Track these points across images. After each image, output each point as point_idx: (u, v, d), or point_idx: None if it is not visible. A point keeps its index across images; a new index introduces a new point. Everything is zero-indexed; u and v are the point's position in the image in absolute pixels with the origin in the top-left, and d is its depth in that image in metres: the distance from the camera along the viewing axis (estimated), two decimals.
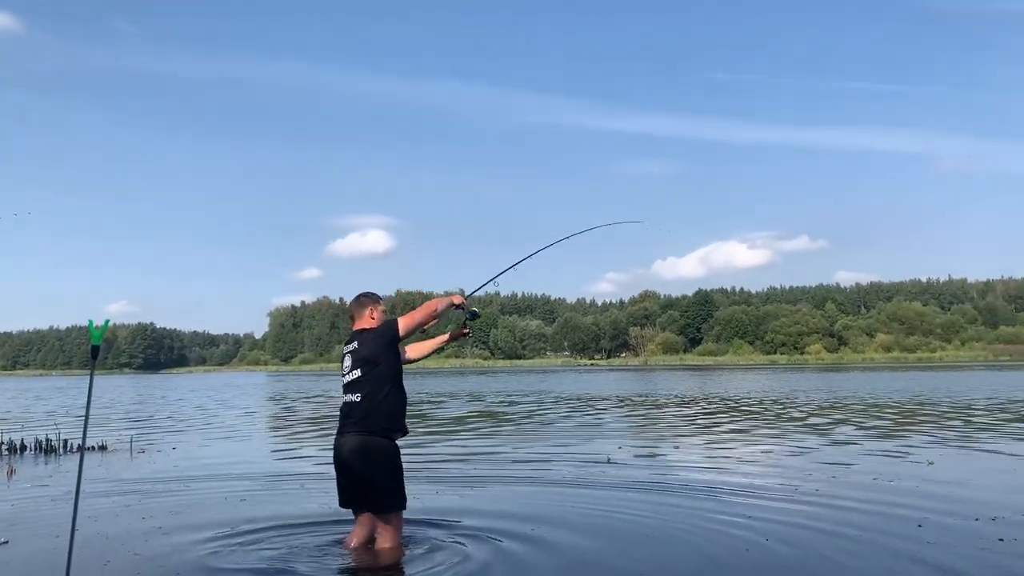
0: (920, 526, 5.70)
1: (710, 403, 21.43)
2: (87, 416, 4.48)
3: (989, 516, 5.99)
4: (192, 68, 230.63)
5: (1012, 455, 9.72)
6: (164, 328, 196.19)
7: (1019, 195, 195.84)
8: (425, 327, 5.05)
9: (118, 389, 45.33)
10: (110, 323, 4.31)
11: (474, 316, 5.33)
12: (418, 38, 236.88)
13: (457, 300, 5.19)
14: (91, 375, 4.28)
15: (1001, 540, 5.22)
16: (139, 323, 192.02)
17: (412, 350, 5.37)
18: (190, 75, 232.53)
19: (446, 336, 5.42)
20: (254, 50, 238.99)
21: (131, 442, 11.99)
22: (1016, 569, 4.56)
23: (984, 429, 12.98)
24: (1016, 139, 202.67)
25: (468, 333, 5.44)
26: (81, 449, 4.23)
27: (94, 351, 4.13)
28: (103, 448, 11.47)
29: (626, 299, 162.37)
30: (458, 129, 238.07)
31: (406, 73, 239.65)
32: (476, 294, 5.95)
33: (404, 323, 4.93)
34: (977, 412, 16.43)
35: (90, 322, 4.05)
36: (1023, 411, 16.51)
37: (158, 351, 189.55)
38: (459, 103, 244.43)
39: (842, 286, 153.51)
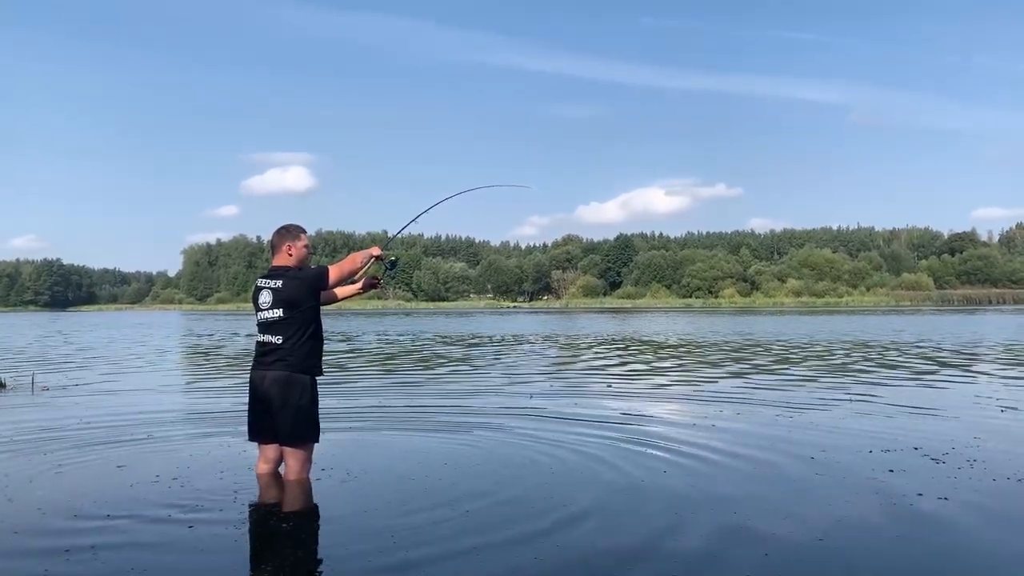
0: (813, 459, 5.96)
1: (627, 343, 21.88)
2: None
3: (882, 449, 6.30)
4: None
5: (921, 393, 10.23)
6: (72, 264, 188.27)
7: (923, 148, 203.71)
8: (353, 278, 5.22)
9: (21, 326, 43.52)
10: None
11: (393, 265, 5.48)
12: None
13: (376, 252, 5.28)
14: None
15: (891, 471, 5.50)
16: (44, 259, 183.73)
17: (340, 291, 5.39)
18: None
19: (359, 285, 5.40)
20: None
21: (32, 379, 11.56)
22: (897, 497, 4.82)
23: (891, 369, 13.63)
24: (923, 92, 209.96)
25: (380, 282, 5.53)
26: None
27: None
28: (1, 386, 10.99)
29: (549, 243, 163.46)
30: (383, 64, 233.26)
31: (333, 3, 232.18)
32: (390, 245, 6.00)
33: (334, 274, 5.00)
34: (888, 353, 17.22)
35: None
36: (925, 353, 17.38)
37: (65, 288, 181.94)
38: (385, 37, 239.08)
39: (756, 232, 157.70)
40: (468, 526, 4.22)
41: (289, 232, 5.04)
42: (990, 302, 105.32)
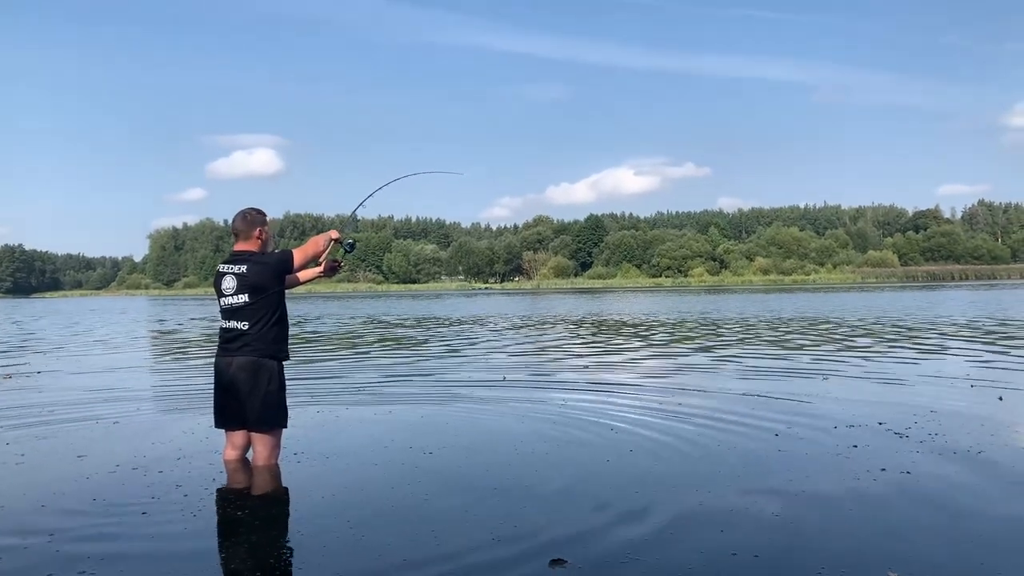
0: (777, 435, 6.02)
1: (597, 323, 21.97)
2: None
3: (847, 424, 6.38)
4: None
5: (886, 370, 10.38)
6: (35, 250, 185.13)
7: (889, 126, 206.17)
8: (317, 260, 5.21)
9: None
10: None
11: (352, 247, 5.48)
12: None
13: (335, 235, 5.31)
14: None
15: (855, 446, 5.57)
16: (6, 245, 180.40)
17: (303, 274, 5.35)
18: None
19: (321, 268, 5.36)
20: None
21: None
22: (861, 472, 4.88)
23: (857, 345, 13.82)
24: (888, 70, 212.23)
25: (341, 264, 5.53)
26: None
27: None
28: None
29: (520, 224, 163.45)
30: (352, 45, 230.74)
31: None
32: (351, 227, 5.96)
33: (299, 257, 5.00)
34: (854, 329, 17.46)
35: None
36: (890, 330, 17.64)
37: (29, 274, 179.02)
38: (351, 16, 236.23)
39: (724, 212, 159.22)
40: (433, 497, 4.24)
41: (258, 218, 5.02)
42: (953, 278, 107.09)
